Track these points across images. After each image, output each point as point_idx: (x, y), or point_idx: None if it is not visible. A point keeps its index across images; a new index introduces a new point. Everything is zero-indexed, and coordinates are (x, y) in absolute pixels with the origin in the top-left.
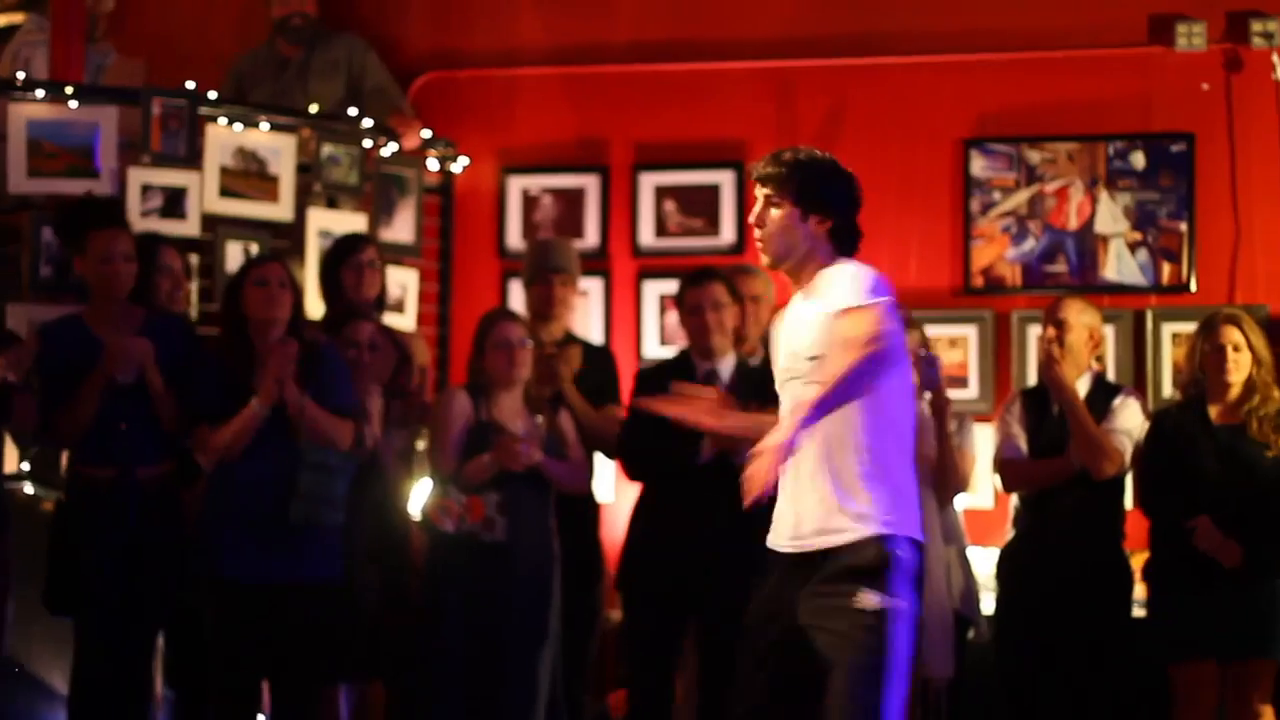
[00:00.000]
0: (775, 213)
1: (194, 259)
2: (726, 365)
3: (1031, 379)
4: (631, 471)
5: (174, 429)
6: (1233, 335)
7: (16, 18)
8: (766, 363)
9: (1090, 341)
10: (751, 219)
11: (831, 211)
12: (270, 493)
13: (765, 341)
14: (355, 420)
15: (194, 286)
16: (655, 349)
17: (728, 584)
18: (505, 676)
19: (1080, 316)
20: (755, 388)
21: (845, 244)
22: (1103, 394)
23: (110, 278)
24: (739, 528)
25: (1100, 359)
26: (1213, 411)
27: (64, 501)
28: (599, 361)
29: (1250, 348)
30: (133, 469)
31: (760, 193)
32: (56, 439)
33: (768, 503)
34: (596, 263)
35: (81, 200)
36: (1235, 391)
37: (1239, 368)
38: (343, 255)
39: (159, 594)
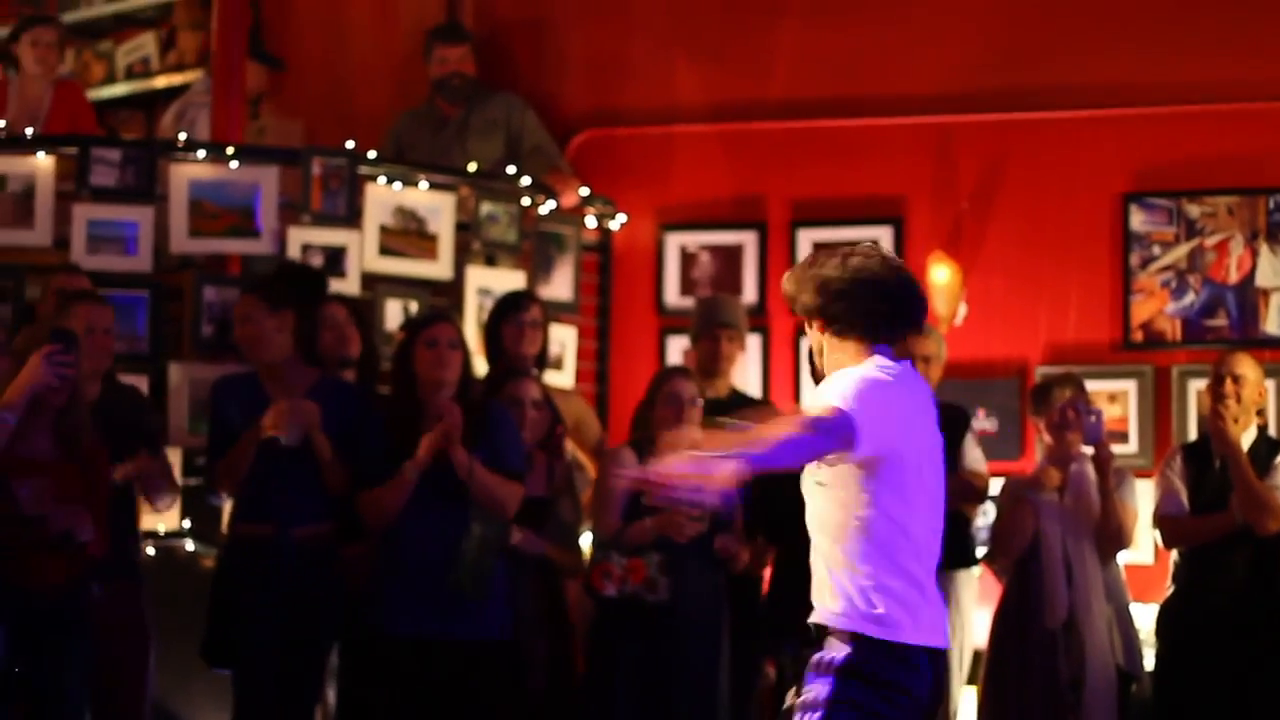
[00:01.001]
0: (810, 333)
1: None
2: None
3: (1192, 433)
4: (774, 532)
5: (340, 492)
6: None
7: (179, 78)
8: None
9: (1259, 396)
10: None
11: (854, 321)
12: (437, 550)
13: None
14: (522, 484)
15: None
16: None
17: None
18: None
19: (1253, 371)
20: None
21: (882, 337)
22: (1266, 448)
23: (239, 340)
24: None
25: (1262, 413)
26: None
27: (223, 557)
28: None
29: None
30: (289, 528)
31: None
32: (216, 492)
33: None
34: (755, 319)
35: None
36: None
37: None
38: (505, 312)
39: (315, 650)
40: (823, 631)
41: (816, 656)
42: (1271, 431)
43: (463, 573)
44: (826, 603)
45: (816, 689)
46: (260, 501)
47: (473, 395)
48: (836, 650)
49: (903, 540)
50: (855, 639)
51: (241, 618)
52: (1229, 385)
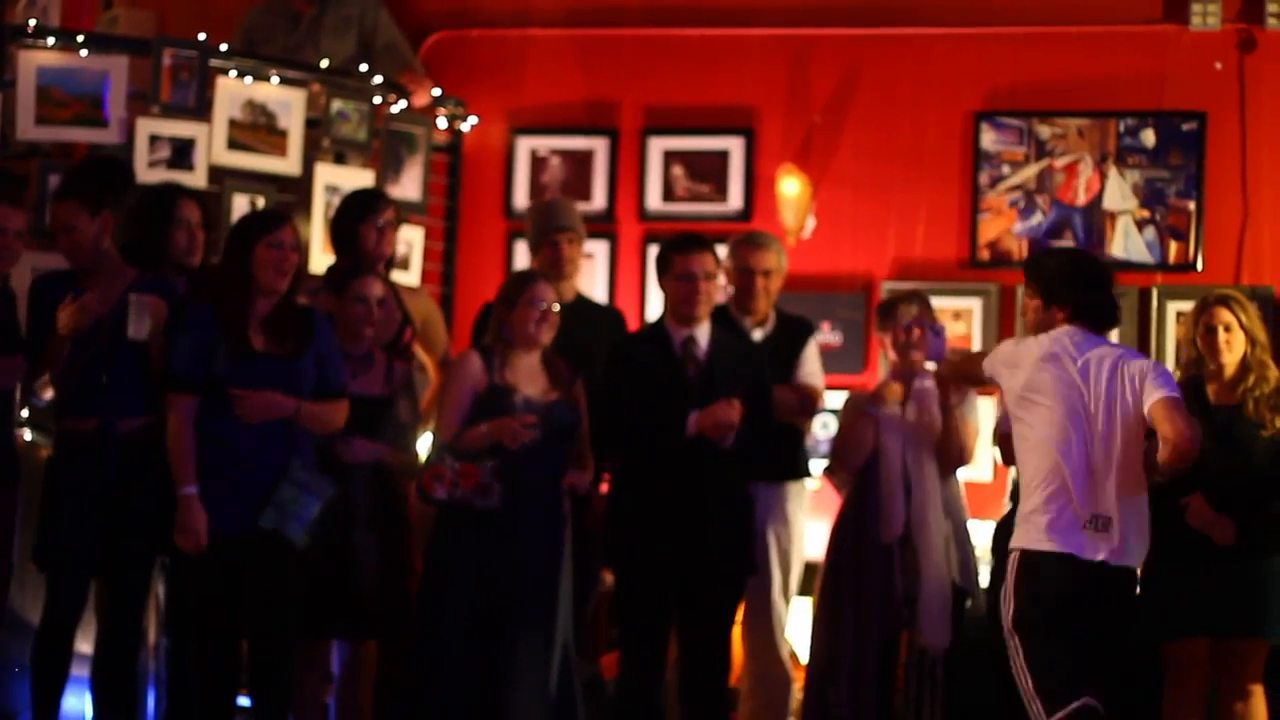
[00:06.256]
0: (1032, 304)
1: None
2: (703, 334)
3: None
4: (611, 445)
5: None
6: (1224, 316)
7: None
8: (774, 336)
9: None
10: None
11: (1067, 301)
12: (244, 445)
13: (778, 314)
14: (345, 397)
15: None
16: (659, 313)
17: (711, 577)
18: (514, 643)
19: None
20: (732, 358)
21: (1093, 321)
22: None
23: (62, 249)
24: (725, 513)
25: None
26: (1210, 391)
27: (51, 455)
28: (609, 323)
29: (1243, 328)
30: (113, 421)
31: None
32: (34, 393)
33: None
34: (603, 226)
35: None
36: (1230, 372)
37: (1231, 348)
38: (364, 213)
39: (138, 545)
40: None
41: None
42: None
43: (272, 512)
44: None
45: None
46: (83, 396)
47: (297, 297)
48: None
49: None
50: None
51: (62, 514)
52: None
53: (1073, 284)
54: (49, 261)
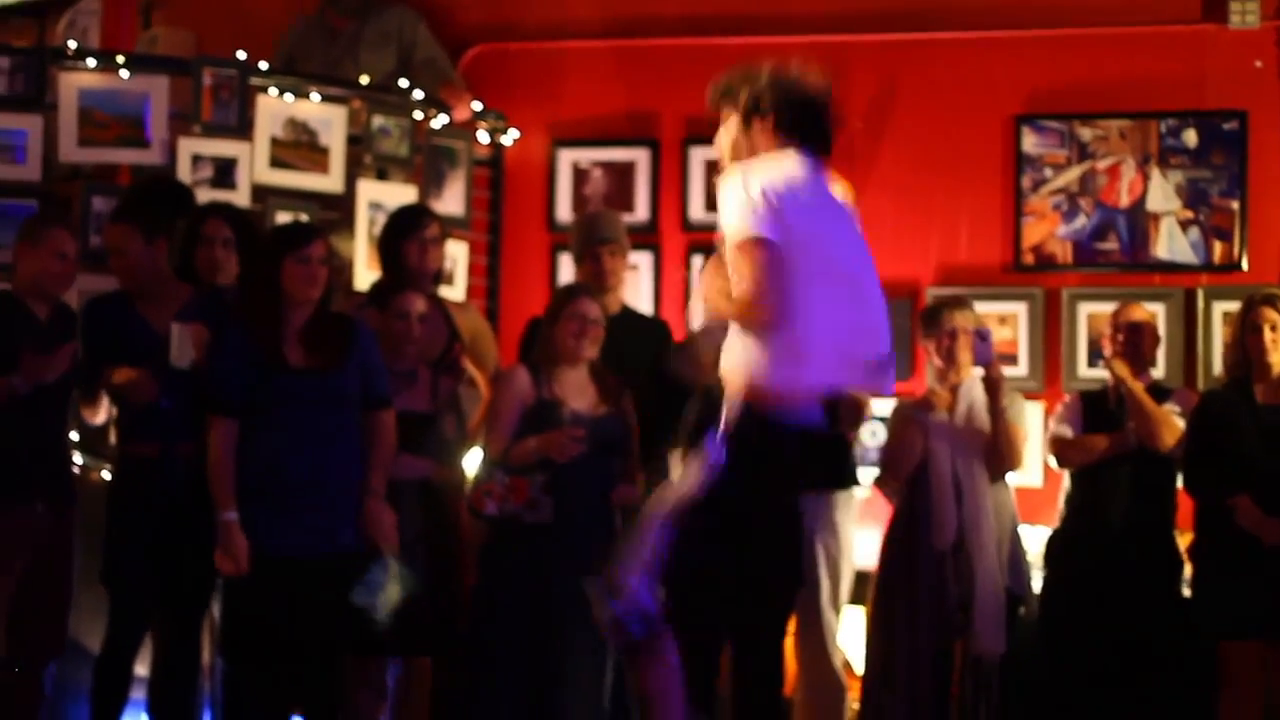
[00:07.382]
0: (726, 127)
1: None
2: None
3: (1081, 356)
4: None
5: None
6: (1270, 315)
7: None
8: None
9: (1156, 341)
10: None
11: (767, 111)
12: (292, 463)
13: None
14: (390, 405)
15: None
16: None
17: (761, 591)
18: (564, 657)
19: (1149, 318)
20: None
21: (797, 133)
22: (1155, 395)
23: (114, 270)
24: (772, 525)
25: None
26: (1257, 391)
27: (114, 478)
28: (655, 334)
29: None
30: (173, 446)
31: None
32: (84, 419)
33: None
34: (646, 237)
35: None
36: (1277, 371)
37: (1278, 347)
38: (407, 229)
39: (199, 569)
40: None
41: None
42: (1160, 354)
43: (366, 593)
44: None
45: None
46: (145, 420)
47: (331, 308)
48: None
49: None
50: None
51: (123, 537)
52: (1128, 334)
53: (779, 84)
54: (93, 283)
